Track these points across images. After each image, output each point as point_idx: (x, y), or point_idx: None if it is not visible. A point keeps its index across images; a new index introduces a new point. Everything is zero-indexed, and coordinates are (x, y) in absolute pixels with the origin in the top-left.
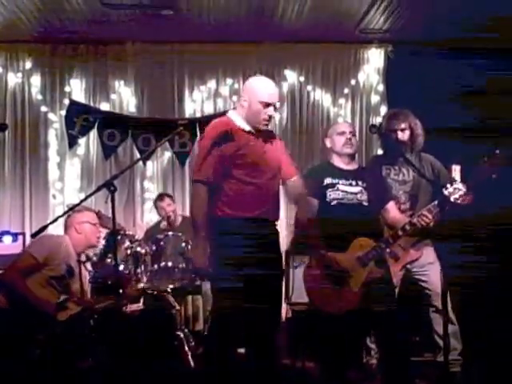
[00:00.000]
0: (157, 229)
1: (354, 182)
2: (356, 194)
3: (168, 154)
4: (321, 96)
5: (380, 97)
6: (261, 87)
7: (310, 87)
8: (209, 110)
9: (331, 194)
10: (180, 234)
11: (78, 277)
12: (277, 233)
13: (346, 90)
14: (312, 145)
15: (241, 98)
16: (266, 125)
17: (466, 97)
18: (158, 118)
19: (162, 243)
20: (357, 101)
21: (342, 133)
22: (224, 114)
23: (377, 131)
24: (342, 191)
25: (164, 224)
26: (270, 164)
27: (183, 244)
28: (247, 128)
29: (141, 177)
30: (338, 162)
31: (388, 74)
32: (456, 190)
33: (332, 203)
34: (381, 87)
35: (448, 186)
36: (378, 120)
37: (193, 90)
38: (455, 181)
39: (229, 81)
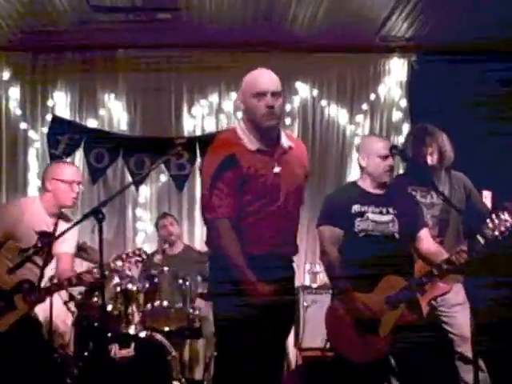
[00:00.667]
0: (150, 263)
1: (384, 210)
2: (387, 223)
3: (164, 178)
4: (336, 112)
5: (403, 113)
6: (249, 77)
7: (324, 102)
8: (210, 127)
9: (360, 225)
10: (177, 270)
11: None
12: (291, 271)
13: (365, 106)
14: (325, 166)
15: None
16: (271, 120)
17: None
18: (152, 136)
19: (156, 280)
20: (376, 118)
21: (385, 157)
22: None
23: (399, 154)
24: (372, 221)
25: (158, 258)
26: (283, 188)
27: (180, 281)
28: (254, 146)
29: (133, 204)
30: (368, 186)
31: (412, 88)
32: (503, 222)
33: (360, 235)
34: (403, 102)
35: (493, 216)
36: (400, 139)
37: (192, 104)
38: (503, 210)
39: (233, 95)
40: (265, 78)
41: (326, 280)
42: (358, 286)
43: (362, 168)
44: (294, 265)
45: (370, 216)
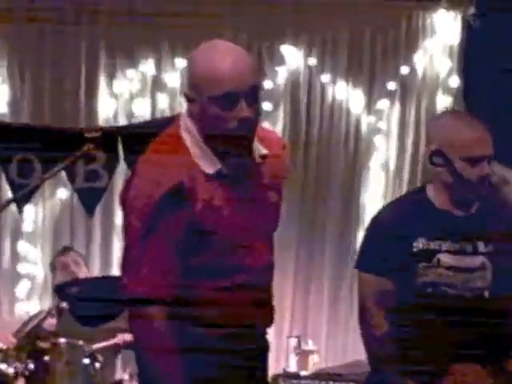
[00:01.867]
0: (37, 330)
1: (469, 246)
2: (473, 271)
3: (65, 193)
4: (346, 94)
5: (453, 97)
6: (206, 66)
7: (325, 77)
8: (143, 112)
9: (427, 274)
10: (81, 342)
11: None
12: (265, 347)
13: (392, 85)
14: (328, 179)
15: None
16: (241, 139)
17: None
18: (47, 125)
19: (46, 358)
20: (411, 104)
21: (477, 161)
22: (172, 120)
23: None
24: (448, 268)
25: (52, 322)
26: (254, 230)
27: (86, 360)
28: (213, 167)
29: (13, 234)
30: (444, 201)
31: (468, 56)
32: None
33: (426, 291)
34: (454, 80)
35: None
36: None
37: (113, 76)
38: None
39: (179, 62)
40: (235, 70)
41: (323, 364)
42: (414, 378)
43: (434, 173)
44: (268, 338)
45: (444, 259)
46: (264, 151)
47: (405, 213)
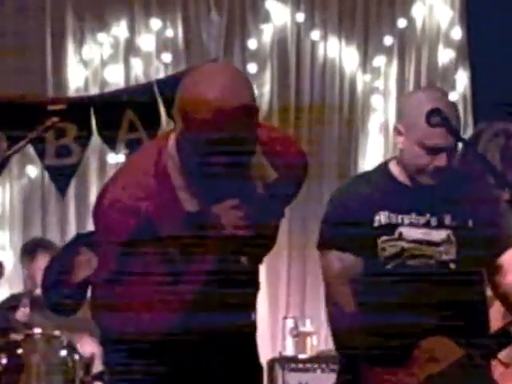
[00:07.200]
0: (9, 321)
1: (433, 219)
2: (438, 245)
3: (33, 172)
4: (339, 51)
5: (456, 52)
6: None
7: (316, 34)
8: (115, 79)
9: (387, 248)
10: (57, 332)
11: None
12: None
13: (389, 40)
14: (321, 150)
15: None
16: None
17: None
18: (8, 97)
19: (20, 351)
20: (410, 60)
21: (433, 150)
22: (149, 88)
23: (446, 125)
24: (411, 241)
25: (24, 311)
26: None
27: (64, 351)
28: (192, 205)
29: None
30: (409, 175)
31: (471, 5)
32: None
33: (387, 266)
34: (457, 33)
35: None
36: (451, 97)
37: (83, 40)
38: None
39: (155, 23)
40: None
41: (322, 347)
42: (380, 357)
43: (401, 144)
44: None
45: (407, 232)
46: (273, 176)
47: (365, 187)
